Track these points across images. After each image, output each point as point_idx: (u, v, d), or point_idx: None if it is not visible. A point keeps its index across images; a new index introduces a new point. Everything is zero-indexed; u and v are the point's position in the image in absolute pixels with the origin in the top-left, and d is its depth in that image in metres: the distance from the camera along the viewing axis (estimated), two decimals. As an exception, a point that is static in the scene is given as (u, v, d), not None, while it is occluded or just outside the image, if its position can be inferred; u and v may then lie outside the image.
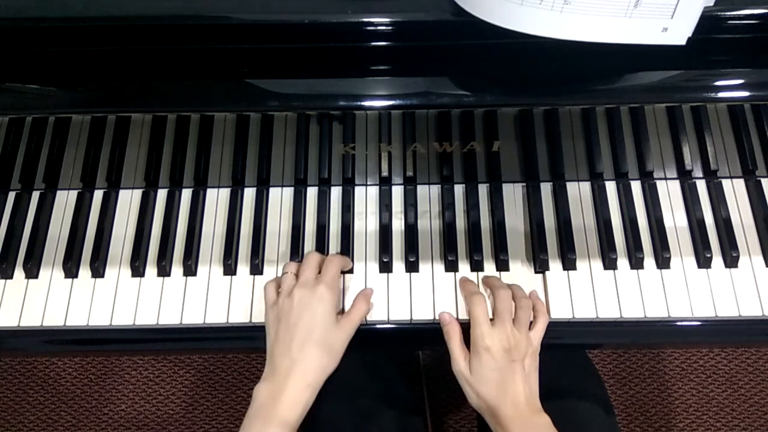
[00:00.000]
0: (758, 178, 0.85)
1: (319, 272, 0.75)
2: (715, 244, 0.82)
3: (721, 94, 0.68)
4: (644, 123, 0.80)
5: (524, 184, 0.86)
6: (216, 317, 0.79)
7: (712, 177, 0.85)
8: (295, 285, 0.72)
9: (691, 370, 1.48)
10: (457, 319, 0.78)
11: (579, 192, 0.85)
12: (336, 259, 0.77)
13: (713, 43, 0.66)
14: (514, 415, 0.68)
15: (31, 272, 0.82)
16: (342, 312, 0.78)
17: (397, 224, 0.84)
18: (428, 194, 0.86)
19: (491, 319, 0.73)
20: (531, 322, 0.75)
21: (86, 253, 0.83)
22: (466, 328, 0.74)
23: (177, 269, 0.82)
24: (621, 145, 0.81)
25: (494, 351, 0.70)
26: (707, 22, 0.59)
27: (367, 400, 0.86)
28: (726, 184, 0.85)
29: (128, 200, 0.87)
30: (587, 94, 0.69)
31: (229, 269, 0.81)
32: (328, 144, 0.80)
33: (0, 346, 0.82)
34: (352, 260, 0.82)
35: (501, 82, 0.68)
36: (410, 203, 0.84)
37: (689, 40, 0.60)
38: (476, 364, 0.71)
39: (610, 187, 0.85)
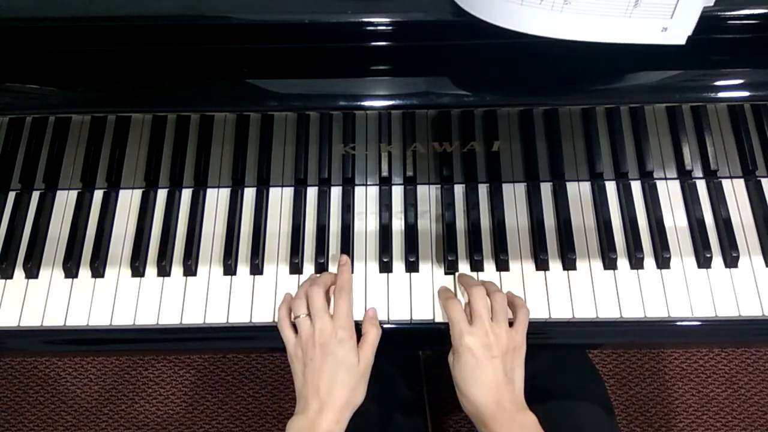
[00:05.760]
0: (758, 178, 0.85)
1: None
2: (715, 244, 0.82)
3: (721, 94, 0.68)
4: (644, 123, 0.80)
5: (524, 184, 0.86)
6: (216, 317, 0.79)
7: (712, 177, 0.85)
8: (314, 332, 0.72)
9: (691, 370, 1.48)
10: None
11: (579, 192, 0.85)
12: (344, 294, 0.76)
13: (713, 43, 0.66)
14: (497, 414, 0.67)
15: (31, 272, 0.82)
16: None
17: (397, 224, 0.84)
18: (428, 194, 0.86)
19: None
20: (512, 320, 0.74)
21: (86, 253, 0.83)
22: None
23: (177, 269, 0.82)
24: (621, 145, 0.81)
25: (474, 348, 0.69)
26: (707, 22, 0.59)
27: (368, 400, 0.86)
28: (726, 184, 0.85)
29: (128, 200, 0.87)
30: (587, 94, 0.69)
31: (229, 269, 0.81)
32: (328, 144, 0.80)
33: (0, 346, 0.82)
34: (352, 260, 0.82)
35: (501, 82, 0.68)
36: (410, 203, 0.84)
37: (689, 39, 0.59)
38: (458, 363, 0.71)
39: (610, 187, 0.85)
